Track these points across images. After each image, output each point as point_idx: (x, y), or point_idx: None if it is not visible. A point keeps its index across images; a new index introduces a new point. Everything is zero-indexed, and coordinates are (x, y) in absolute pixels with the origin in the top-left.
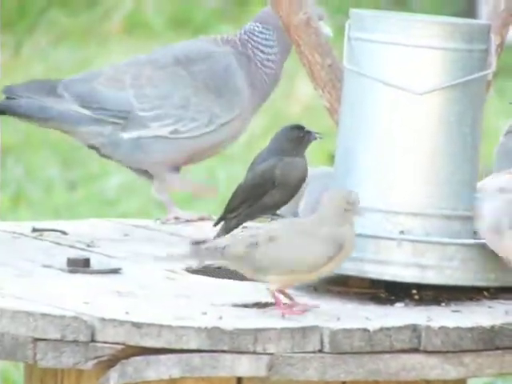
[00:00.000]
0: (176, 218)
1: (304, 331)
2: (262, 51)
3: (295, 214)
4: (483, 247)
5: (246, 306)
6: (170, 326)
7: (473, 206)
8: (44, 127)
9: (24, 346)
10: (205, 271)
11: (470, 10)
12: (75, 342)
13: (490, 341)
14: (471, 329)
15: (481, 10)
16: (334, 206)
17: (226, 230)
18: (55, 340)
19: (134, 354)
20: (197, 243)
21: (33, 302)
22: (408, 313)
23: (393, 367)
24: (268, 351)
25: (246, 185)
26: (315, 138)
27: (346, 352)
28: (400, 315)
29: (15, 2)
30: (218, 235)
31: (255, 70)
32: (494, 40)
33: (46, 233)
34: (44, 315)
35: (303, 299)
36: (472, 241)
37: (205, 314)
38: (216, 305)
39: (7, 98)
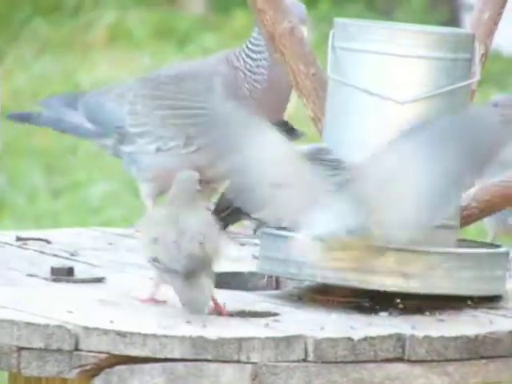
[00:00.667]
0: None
1: (288, 340)
2: (252, 58)
3: None
4: (467, 256)
5: (230, 314)
6: (154, 335)
7: (457, 215)
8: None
9: (8, 355)
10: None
11: (453, 19)
12: (59, 350)
13: (475, 350)
14: (455, 338)
15: (465, 19)
16: (182, 187)
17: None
18: (39, 349)
19: (118, 363)
20: None
21: (17, 311)
22: (392, 322)
23: (377, 376)
24: (252, 360)
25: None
26: (300, 136)
27: (330, 361)
28: (384, 324)
29: None
30: None
31: (243, 81)
32: (479, 49)
33: (30, 242)
34: (28, 324)
35: (285, 309)
36: (456, 250)
37: (189, 322)
38: (200, 314)
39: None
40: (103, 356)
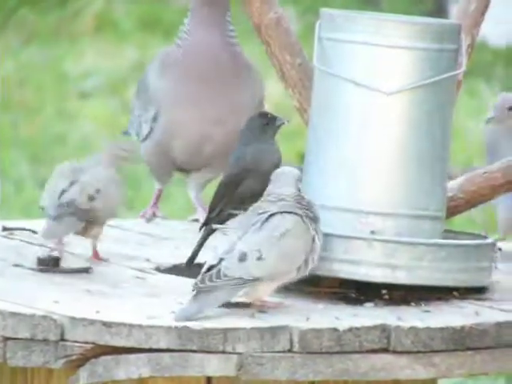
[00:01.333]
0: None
1: (273, 331)
2: (182, 24)
3: None
4: (453, 247)
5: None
6: (139, 326)
7: (443, 205)
8: None
9: None
10: (175, 270)
11: (440, 10)
12: (45, 341)
13: (461, 341)
14: (441, 329)
15: (451, 9)
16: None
17: (209, 232)
18: (25, 339)
19: (103, 353)
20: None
21: (3, 302)
22: (378, 313)
23: (362, 367)
24: (237, 351)
25: (221, 180)
26: (282, 123)
27: (315, 352)
28: (370, 315)
29: None
30: (202, 239)
31: (173, 51)
32: (465, 40)
33: (16, 232)
34: (14, 314)
35: (271, 299)
36: (442, 241)
37: (174, 313)
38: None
39: None
40: (89, 346)
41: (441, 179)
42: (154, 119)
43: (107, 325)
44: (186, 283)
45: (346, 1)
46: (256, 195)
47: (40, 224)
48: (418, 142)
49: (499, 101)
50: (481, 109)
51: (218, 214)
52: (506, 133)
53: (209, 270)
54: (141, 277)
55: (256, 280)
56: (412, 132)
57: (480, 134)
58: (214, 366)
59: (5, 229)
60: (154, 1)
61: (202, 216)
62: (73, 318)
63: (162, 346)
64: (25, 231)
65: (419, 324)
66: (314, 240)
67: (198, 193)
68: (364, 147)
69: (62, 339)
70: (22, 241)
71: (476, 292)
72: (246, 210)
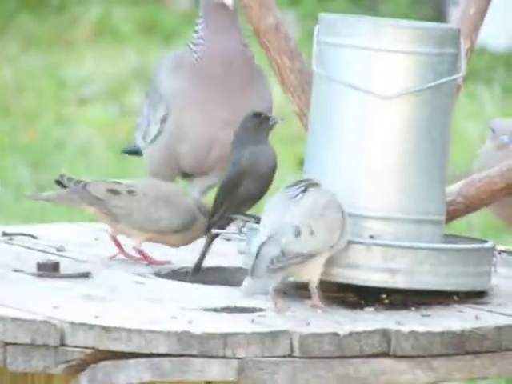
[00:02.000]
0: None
1: (274, 335)
2: (195, 31)
3: None
4: (453, 251)
5: (215, 310)
6: (139, 330)
7: (443, 210)
8: None
9: None
10: (174, 275)
11: (439, 15)
12: (45, 346)
13: (460, 345)
14: (441, 333)
15: (450, 14)
16: None
17: (212, 237)
18: (25, 344)
19: (103, 359)
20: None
21: (3, 307)
22: (378, 317)
23: (362, 372)
24: (237, 355)
25: (220, 185)
26: (276, 122)
27: (315, 356)
28: (370, 319)
29: None
30: (206, 244)
31: (188, 54)
32: (464, 44)
33: (16, 237)
34: (14, 319)
35: (271, 304)
36: (442, 245)
37: (174, 318)
38: (185, 309)
39: None
40: (89, 351)
41: (440, 183)
42: (164, 120)
43: (107, 330)
44: (186, 288)
45: (344, 5)
46: (255, 198)
47: (39, 230)
48: (418, 146)
49: (505, 126)
50: (480, 112)
51: (219, 218)
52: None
53: (262, 245)
54: (140, 282)
55: (311, 256)
56: (411, 136)
57: (479, 139)
58: (215, 370)
59: (5, 234)
60: (152, 5)
61: None
62: (72, 323)
63: (162, 350)
64: (25, 236)
65: (419, 328)
66: (344, 215)
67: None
68: (363, 152)
69: (62, 344)
70: (21, 246)
71: (476, 296)
72: (245, 214)
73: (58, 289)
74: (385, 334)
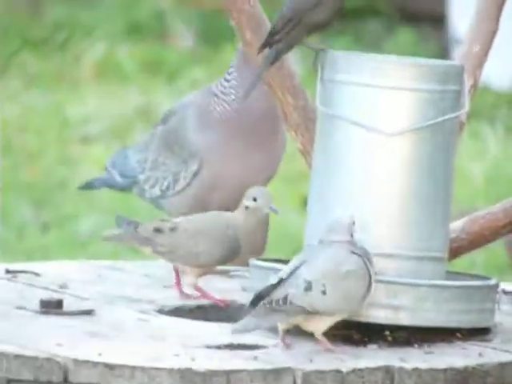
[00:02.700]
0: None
1: (277, 373)
2: (226, 80)
3: None
4: (456, 288)
5: (218, 347)
6: (142, 368)
7: (446, 247)
8: None
9: None
10: (177, 312)
11: (443, 53)
12: (49, 383)
13: (463, 382)
14: (444, 370)
15: (454, 53)
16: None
17: (271, 58)
18: (28, 381)
19: None
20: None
21: (6, 344)
22: (381, 354)
23: None
24: None
25: (290, 3)
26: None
27: None
28: (373, 356)
29: None
30: (263, 64)
31: (215, 104)
32: (468, 81)
33: (19, 274)
34: (17, 356)
35: (274, 341)
36: (445, 282)
37: (177, 355)
38: (188, 346)
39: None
40: None
41: (443, 220)
42: (196, 174)
43: (110, 367)
44: (189, 325)
45: (348, 43)
46: (321, 26)
47: (42, 267)
48: (421, 183)
49: None
50: (483, 151)
51: (281, 39)
52: None
53: (271, 288)
54: (143, 319)
55: (316, 313)
56: (414, 173)
57: (482, 176)
58: None
59: (8, 271)
60: (156, 43)
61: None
62: (76, 360)
63: None
64: (28, 274)
65: (422, 365)
66: (370, 283)
67: None
68: (366, 189)
69: (66, 381)
70: (24, 283)
71: (479, 333)
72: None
73: (62, 326)
74: (388, 370)
